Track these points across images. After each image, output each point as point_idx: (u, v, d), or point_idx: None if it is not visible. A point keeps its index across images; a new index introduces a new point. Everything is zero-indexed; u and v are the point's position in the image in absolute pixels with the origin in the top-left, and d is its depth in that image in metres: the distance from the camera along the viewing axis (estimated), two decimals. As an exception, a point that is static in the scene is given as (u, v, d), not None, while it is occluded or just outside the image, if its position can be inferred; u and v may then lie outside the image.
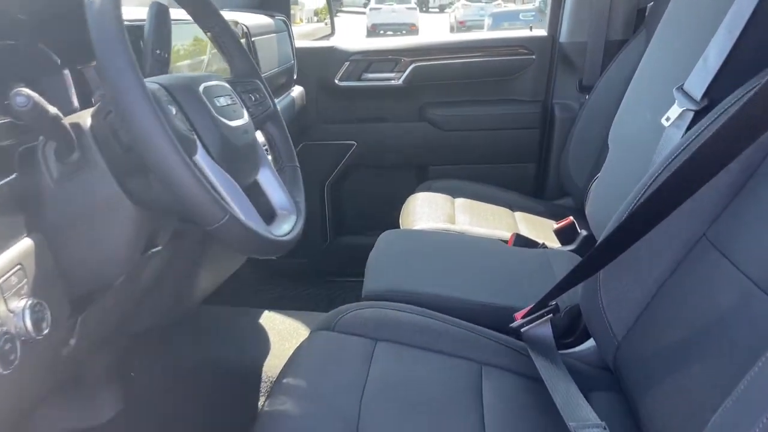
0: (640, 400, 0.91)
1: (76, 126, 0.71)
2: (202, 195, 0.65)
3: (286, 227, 0.84)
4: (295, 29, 2.57)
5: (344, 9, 25.28)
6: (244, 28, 1.46)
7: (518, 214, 1.83)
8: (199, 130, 0.74)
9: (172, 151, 0.62)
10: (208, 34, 0.94)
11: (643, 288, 0.97)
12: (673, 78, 1.14)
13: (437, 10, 25.01)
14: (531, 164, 2.12)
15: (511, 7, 16.63)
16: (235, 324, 1.53)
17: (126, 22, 1.00)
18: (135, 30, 0.99)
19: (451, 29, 17.82)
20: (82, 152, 0.71)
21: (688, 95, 1.06)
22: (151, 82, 0.73)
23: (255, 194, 0.88)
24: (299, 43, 2.07)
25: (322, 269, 2.23)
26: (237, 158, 0.79)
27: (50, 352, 0.74)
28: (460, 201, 1.84)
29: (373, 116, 2.12)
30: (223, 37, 0.94)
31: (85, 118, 0.73)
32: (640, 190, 0.97)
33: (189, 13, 0.92)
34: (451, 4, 22.49)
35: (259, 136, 1.03)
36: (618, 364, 1.00)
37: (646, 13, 1.83)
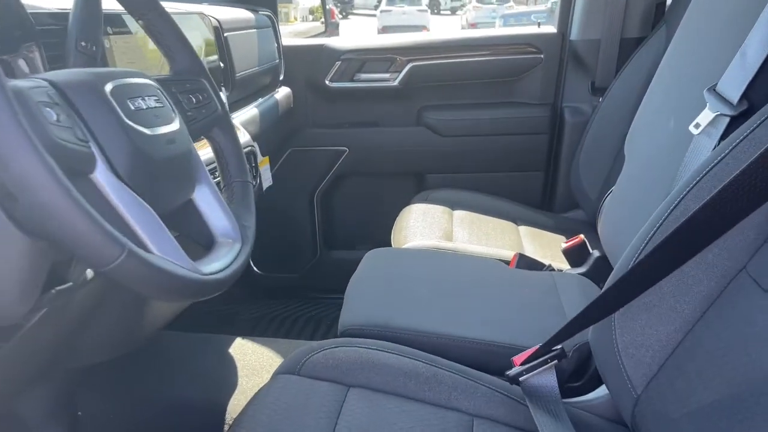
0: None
1: None
2: (85, 228, 0.48)
3: (223, 261, 0.68)
4: (290, 28, 2.41)
5: (356, 12, 25.20)
6: (213, 21, 1.30)
7: (523, 229, 1.66)
8: (101, 141, 0.57)
9: (39, 170, 0.46)
10: (140, 22, 0.78)
11: (668, 329, 0.79)
12: (702, 78, 0.96)
13: (449, 12, 24.83)
14: (538, 173, 1.95)
15: (523, 8, 16.44)
16: (201, 354, 1.36)
17: (49, 10, 0.85)
18: (58, 19, 0.83)
19: (463, 32, 17.66)
20: None
21: (722, 97, 0.89)
22: (39, 79, 0.56)
23: (188, 218, 0.72)
24: (287, 42, 1.91)
25: (310, 285, 2.07)
26: (157, 175, 0.63)
27: None
28: (459, 214, 1.68)
29: (366, 120, 1.96)
30: (159, 26, 0.78)
31: None
32: (663, 211, 0.80)
33: (120, 1, 0.76)
34: (463, 6, 22.30)
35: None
36: (637, 421, 0.82)
37: (666, 8, 1.66)
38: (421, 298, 1.13)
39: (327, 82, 1.91)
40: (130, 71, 0.67)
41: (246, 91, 1.53)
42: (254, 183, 1.21)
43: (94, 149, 0.57)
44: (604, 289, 0.78)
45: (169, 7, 1.22)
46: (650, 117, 1.21)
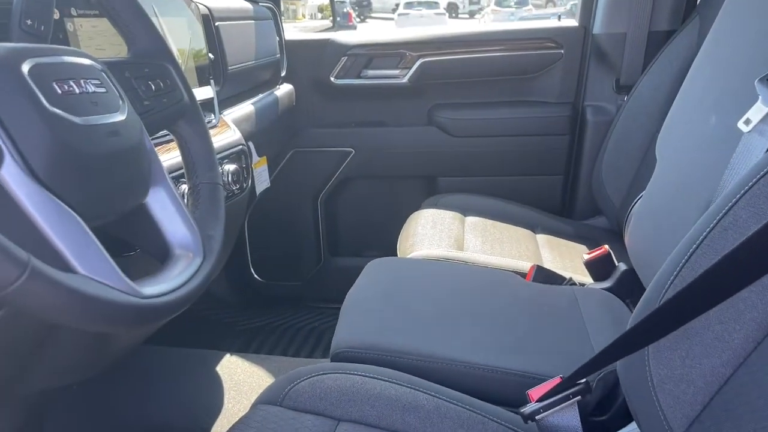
0: None
1: None
2: None
3: (176, 280, 0.56)
4: (298, 25, 2.32)
5: (373, 15, 25.15)
6: (203, 8, 1.19)
7: (541, 238, 1.53)
8: (12, 130, 0.46)
9: None
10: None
11: (714, 363, 0.67)
12: (751, 68, 0.83)
13: (467, 15, 24.66)
14: (558, 177, 1.82)
15: (542, 12, 16.28)
16: (187, 372, 1.25)
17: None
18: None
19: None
20: None
21: None
22: None
23: (140, 227, 0.60)
24: (290, 36, 1.80)
25: (313, 295, 1.95)
26: (91, 174, 0.52)
27: None
28: (471, 220, 1.55)
29: (373, 120, 1.85)
30: (116, 3, 0.66)
31: None
32: (708, 222, 0.68)
33: None
34: (481, 9, 22.13)
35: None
36: (676, 469, 0.70)
37: (699, -1, 1.53)
38: (425, 316, 1.00)
39: (332, 79, 1.79)
40: (64, 48, 0.55)
41: (241, 87, 1.42)
42: (240, 188, 1.09)
43: (2, 141, 0.45)
44: (635, 315, 0.65)
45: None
46: (687, 115, 1.08)
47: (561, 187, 1.83)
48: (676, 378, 0.70)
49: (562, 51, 1.73)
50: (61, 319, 0.44)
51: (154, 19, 0.98)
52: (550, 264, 1.37)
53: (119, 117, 0.56)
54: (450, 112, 1.81)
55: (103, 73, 0.58)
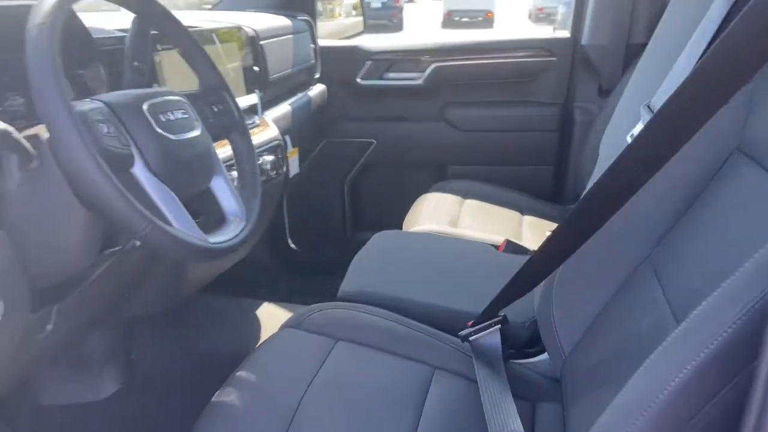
0: (568, 412, 0.93)
1: (35, 138, 0.80)
2: (122, 207, 0.72)
3: (228, 234, 0.91)
4: (335, 23, 2.64)
5: (424, -5, 25.10)
6: (251, 32, 1.53)
7: (527, 218, 1.83)
8: (140, 145, 0.81)
9: (92, 168, 0.69)
10: (179, 50, 1.01)
11: (591, 304, 0.98)
12: (645, 93, 1.12)
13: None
14: (548, 167, 2.11)
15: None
16: (231, 315, 1.62)
17: (107, 34, 1.09)
18: (117, 41, 1.08)
19: (530, 16, 17.44)
20: (40, 161, 0.80)
21: (652, 112, 1.04)
22: (96, 100, 0.80)
23: (208, 201, 0.95)
24: (324, 42, 2.13)
25: (339, 263, 2.30)
26: (181, 169, 0.87)
27: (11, 337, 0.83)
28: (469, 203, 1.86)
29: (393, 115, 2.16)
30: (192, 52, 1.01)
31: (44, 130, 0.82)
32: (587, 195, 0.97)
33: (158, 31, 1.00)
34: None
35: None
36: (564, 376, 1.01)
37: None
38: (411, 272, 1.34)
39: (358, 80, 2.11)
40: (164, 91, 0.90)
41: (280, 90, 1.76)
42: (277, 173, 1.43)
43: (134, 151, 0.80)
44: (527, 260, 0.97)
45: (213, 22, 1.46)
46: (614, 123, 1.37)
47: (551, 175, 2.12)
48: (568, 315, 1.01)
49: (555, 59, 2.01)
50: (168, 254, 0.79)
51: (214, 46, 1.33)
52: (528, 240, 1.67)
53: (196, 133, 0.91)
54: (458, 109, 2.11)
55: (185, 104, 0.93)
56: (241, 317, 1.62)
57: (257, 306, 1.69)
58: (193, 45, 1.00)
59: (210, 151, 0.94)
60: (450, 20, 16.88)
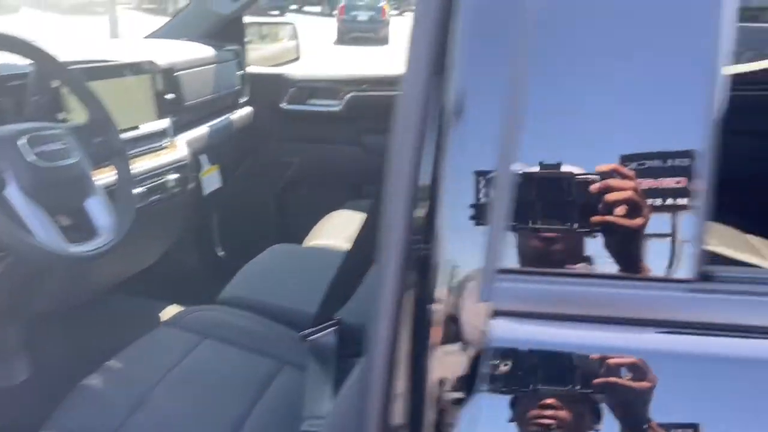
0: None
1: None
2: None
3: (92, 246, 1.10)
4: (277, 47, 2.86)
5: (412, 8, 25.31)
6: (164, 64, 1.72)
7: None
8: (14, 171, 1.00)
9: None
10: (68, 88, 1.21)
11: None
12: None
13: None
14: None
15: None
16: (140, 316, 1.81)
17: (11, 71, 1.28)
18: (20, 77, 1.27)
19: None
20: None
21: None
22: None
23: (82, 217, 1.14)
24: (253, 69, 2.33)
25: None
26: (54, 191, 1.06)
27: None
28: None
29: (314, 137, 2.36)
30: (78, 90, 1.21)
31: None
32: None
33: (44, 70, 1.19)
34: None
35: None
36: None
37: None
38: (286, 281, 1.54)
39: (282, 105, 2.32)
40: (48, 125, 1.09)
41: (199, 114, 1.95)
42: (181, 190, 1.62)
43: (7, 177, 1.00)
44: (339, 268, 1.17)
45: (131, 55, 1.65)
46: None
47: None
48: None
49: None
50: (25, 258, 0.98)
51: (124, 78, 1.52)
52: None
53: (71, 161, 1.10)
54: (371, 135, 2.32)
55: (65, 136, 1.12)
56: (147, 318, 1.80)
57: (163, 307, 1.88)
58: (77, 84, 1.20)
59: (85, 174, 1.14)
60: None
